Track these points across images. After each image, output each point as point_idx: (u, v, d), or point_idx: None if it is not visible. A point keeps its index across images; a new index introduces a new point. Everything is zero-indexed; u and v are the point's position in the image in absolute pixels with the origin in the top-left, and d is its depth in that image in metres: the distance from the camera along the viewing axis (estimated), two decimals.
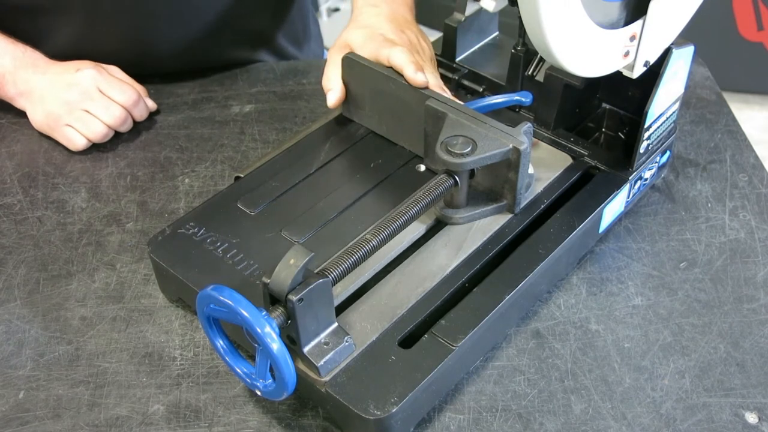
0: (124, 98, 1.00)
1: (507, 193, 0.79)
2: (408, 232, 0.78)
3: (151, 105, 1.06)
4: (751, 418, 0.71)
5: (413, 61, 0.83)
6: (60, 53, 1.05)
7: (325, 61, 0.93)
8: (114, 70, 1.05)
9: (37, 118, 1.01)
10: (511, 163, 0.76)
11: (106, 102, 0.99)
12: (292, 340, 0.66)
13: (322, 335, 0.67)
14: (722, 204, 0.92)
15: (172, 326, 0.80)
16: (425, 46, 0.93)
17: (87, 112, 0.99)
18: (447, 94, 0.85)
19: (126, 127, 1.02)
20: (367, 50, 0.88)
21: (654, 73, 0.78)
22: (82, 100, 0.98)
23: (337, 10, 3.01)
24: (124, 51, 1.08)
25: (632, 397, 0.73)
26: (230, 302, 0.60)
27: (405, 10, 0.97)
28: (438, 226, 0.80)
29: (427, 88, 0.83)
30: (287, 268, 0.62)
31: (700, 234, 0.89)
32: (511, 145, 0.75)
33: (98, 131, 0.99)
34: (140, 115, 1.03)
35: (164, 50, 1.09)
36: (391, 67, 0.85)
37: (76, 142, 0.99)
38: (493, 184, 0.80)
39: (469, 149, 0.74)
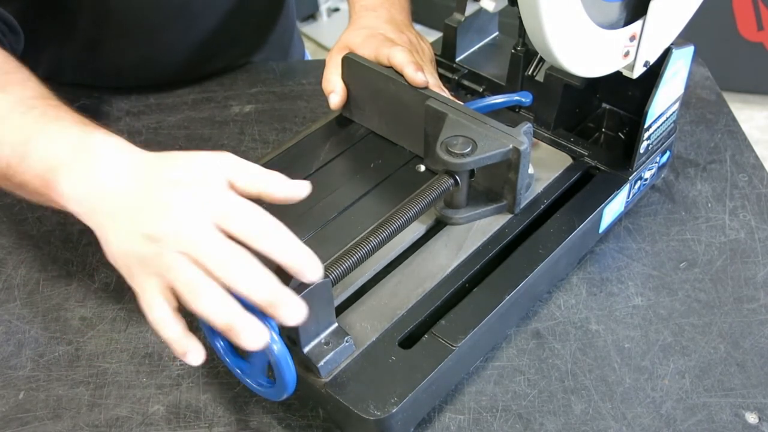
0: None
1: (507, 193, 0.79)
2: (408, 232, 0.78)
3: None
4: (751, 418, 0.71)
5: (413, 61, 0.83)
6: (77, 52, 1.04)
7: (319, 61, 0.93)
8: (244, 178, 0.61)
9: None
10: (511, 163, 0.76)
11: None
12: (292, 341, 0.66)
13: (322, 335, 0.67)
14: (722, 204, 0.92)
15: None
16: (425, 47, 0.93)
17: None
18: (446, 94, 0.85)
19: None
20: (367, 49, 0.88)
21: (654, 73, 0.78)
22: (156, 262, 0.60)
23: (337, 10, 3.01)
24: (129, 57, 1.09)
25: (632, 397, 0.73)
26: None
27: (403, 15, 0.97)
28: (438, 226, 0.80)
29: (426, 87, 0.83)
30: None
31: (700, 234, 0.89)
32: (511, 145, 0.75)
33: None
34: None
35: (164, 61, 1.10)
36: (391, 67, 0.85)
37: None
38: (493, 184, 0.80)
39: (469, 149, 0.74)
